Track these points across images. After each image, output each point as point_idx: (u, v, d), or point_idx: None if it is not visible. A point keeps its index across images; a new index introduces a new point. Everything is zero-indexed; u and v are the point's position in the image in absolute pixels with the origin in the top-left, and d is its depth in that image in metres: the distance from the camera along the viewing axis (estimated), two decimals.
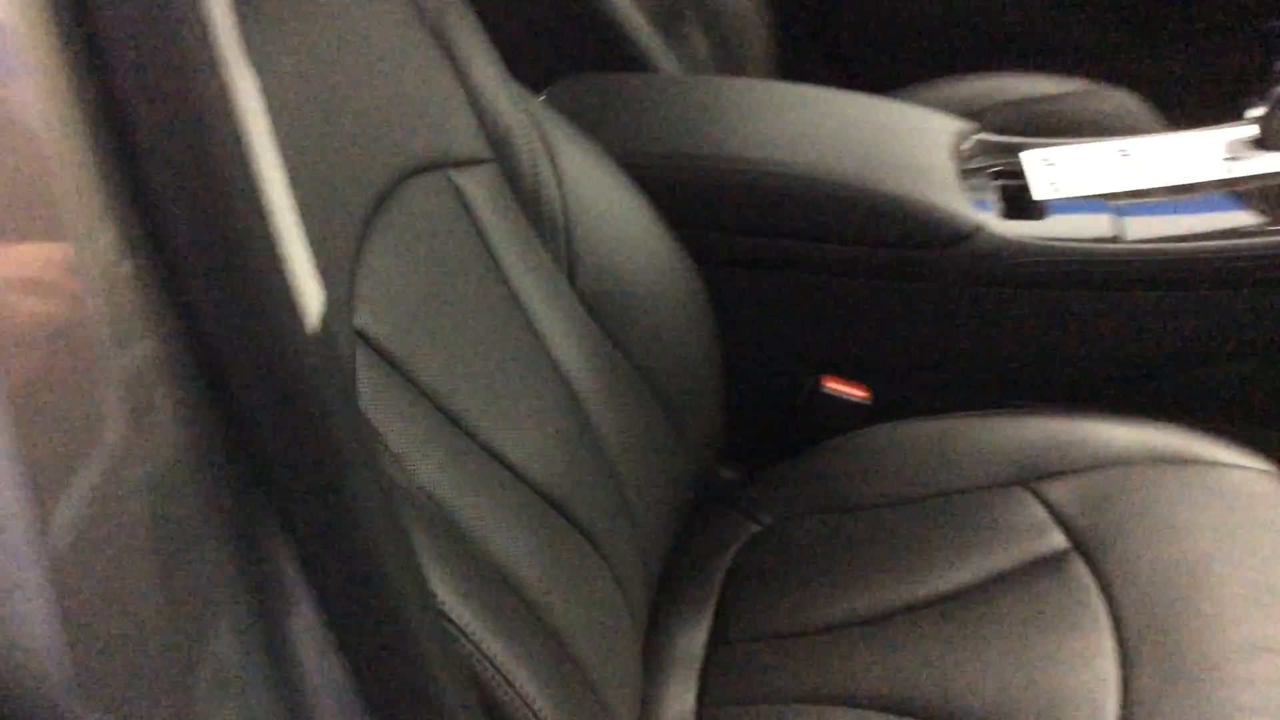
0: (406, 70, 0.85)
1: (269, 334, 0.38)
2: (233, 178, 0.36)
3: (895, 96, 1.57)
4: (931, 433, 1.07)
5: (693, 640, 0.99)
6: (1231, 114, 1.17)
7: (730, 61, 1.58)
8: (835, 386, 1.12)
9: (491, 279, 0.87)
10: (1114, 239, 1.07)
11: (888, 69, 1.73)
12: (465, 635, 0.63)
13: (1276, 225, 1.06)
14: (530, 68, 1.27)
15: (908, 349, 1.13)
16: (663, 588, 1.01)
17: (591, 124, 1.08)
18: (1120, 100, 1.55)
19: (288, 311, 0.39)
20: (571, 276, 0.95)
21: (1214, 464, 1.00)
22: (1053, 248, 1.06)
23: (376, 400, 0.71)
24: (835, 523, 1.04)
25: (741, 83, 1.21)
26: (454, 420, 0.77)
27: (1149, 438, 1.03)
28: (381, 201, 0.78)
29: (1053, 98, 1.56)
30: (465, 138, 0.89)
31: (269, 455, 0.40)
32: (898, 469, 1.06)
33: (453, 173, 0.87)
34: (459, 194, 0.87)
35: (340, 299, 0.71)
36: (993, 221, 1.09)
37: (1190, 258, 1.05)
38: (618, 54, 1.25)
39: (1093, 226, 1.09)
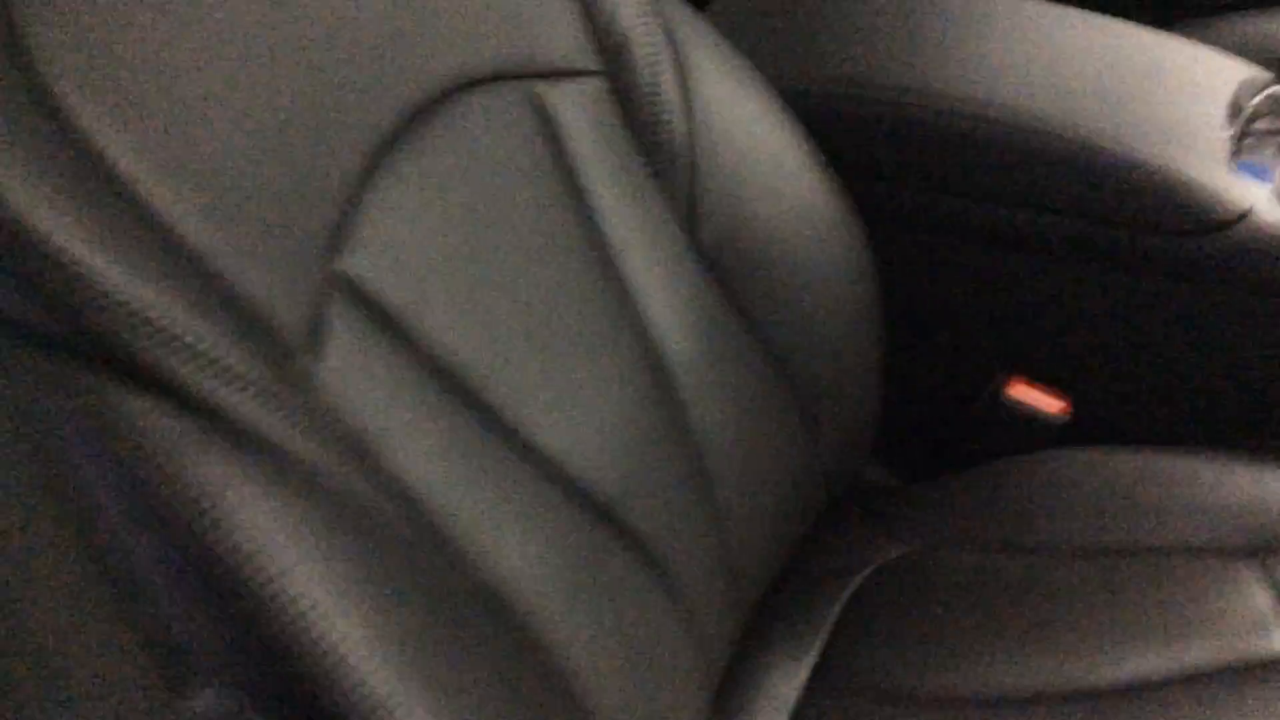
0: None
1: None
2: None
3: (1210, 26, 1.29)
4: (1139, 468, 0.86)
5: (789, 679, 0.83)
6: None
7: None
8: (1024, 393, 0.91)
9: (570, 220, 0.72)
10: None
11: None
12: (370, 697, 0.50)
13: None
14: None
15: (1125, 357, 0.91)
16: (765, 608, 0.85)
17: (761, 37, 0.89)
18: None
19: None
20: (691, 223, 0.78)
21: None
22: None
23: (351, 367, 0.59)
24: (995, 564, 0.84)
25: None
26: (471, 398, 0.64)
27: None
28: (413, 118, 0.64)
29: None
30: (563, 43, 0.73)
31: None
32: (1087, 508, 0.85)
33: (539, 85, 0.72)
34: (543, 112, 0.72)
35: (312, 235, 0.57)
36: (1268, 205, 0.84)
37: None
38: None
39: None
